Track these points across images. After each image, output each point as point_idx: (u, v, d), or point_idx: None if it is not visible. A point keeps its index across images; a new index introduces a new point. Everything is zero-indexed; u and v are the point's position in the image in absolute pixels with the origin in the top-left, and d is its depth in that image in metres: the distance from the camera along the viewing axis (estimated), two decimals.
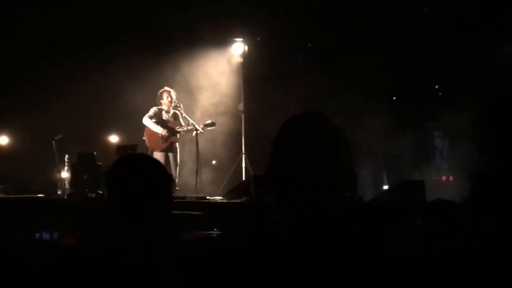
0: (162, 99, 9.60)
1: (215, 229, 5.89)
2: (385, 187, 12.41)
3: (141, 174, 2.33)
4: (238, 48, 11.51)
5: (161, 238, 2.33)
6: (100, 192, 7.61)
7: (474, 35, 10.72)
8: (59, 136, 9.42)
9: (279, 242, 1.60)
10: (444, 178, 12.78)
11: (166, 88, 9.67)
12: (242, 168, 10.85)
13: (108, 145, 11.06)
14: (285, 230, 1.63)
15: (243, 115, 11.26)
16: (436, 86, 12.76)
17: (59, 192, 9.04)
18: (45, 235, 5.99)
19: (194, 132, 9.28)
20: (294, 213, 1.65)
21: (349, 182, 1.68)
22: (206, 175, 10.14)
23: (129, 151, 8.91)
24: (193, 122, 9.28)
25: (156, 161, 2.54)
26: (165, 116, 9.58)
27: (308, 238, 1.59)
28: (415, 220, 3.41)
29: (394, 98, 12.96)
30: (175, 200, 6.97)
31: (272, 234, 1.63)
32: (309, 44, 12.47)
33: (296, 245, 1.58)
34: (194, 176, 9.23)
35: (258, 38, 11.83)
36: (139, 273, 2.13)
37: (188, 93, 11.05)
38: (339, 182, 1.65)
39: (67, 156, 9.18)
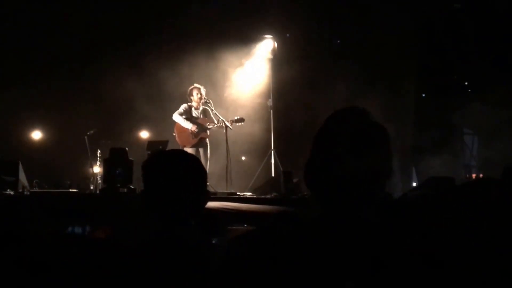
0: (192, 95, 9.60)
1: (245, 225, 5.93)
2: (414, 183, 12.32)
3: (178, 168, 2.33)
4: (267, 44, 11.54)
5: (196, 233, 2.32)
6: (132, 187, 7.69)
7: (504, 31, 10.61)
8: (91, 131, 9.53)
9: (317, 239, 1.59)
10: (474, 176, 12.64)
11: (196, 84, 9.66)
12: (271, 164, 10.82)
13: (139, 140, 11.18)
14: (322, 226, 1.62)
15: (272, 111, 11.26)
16: (466, 83, 12.64)
17: (91, 187, 9.17)
18: (78, 229, 6.05)
19: (224, 128, 9.32)
20: (331, 209, 1.63)
21: (388, 178, 1.65)
22: (235, 171, 10.17)
23: (160, 147, 9.01)
24: (223, 119, 9.30)
25: (194, 157, 2.52)
26: (194, 112, 9.59)
27: (344, 233, 1.59)
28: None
29: (424, 95, 12.87)
30: None
31: (310, 231, 1.62)
32: (338, 41, 12.47)
33: (332, 241, 1.58)
34: (224, 172, 9.25)
35: (288, 35, 11.85)
36: (171, 269, 2.11)
37: (217, 89, 11.11)
38: (378, 178, 1.63)
39: (99, 151, 9.30)
